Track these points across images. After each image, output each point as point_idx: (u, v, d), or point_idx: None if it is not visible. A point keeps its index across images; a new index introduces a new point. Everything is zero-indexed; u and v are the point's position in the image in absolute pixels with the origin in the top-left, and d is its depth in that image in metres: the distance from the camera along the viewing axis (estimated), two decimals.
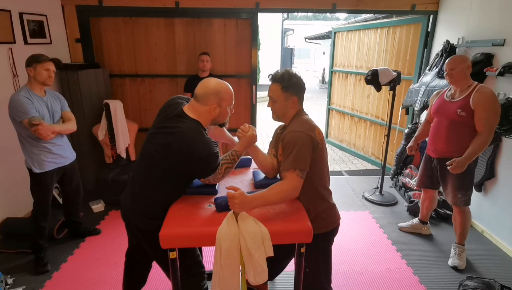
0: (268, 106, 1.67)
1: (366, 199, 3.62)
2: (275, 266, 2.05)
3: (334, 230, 1.67)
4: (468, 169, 2.28)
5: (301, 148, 1.46)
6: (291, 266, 2.42)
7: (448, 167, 2.27)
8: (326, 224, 1.61)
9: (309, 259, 1.61)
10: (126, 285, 1.90)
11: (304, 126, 1.54)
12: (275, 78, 1.60)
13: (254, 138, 1.64)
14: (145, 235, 1.58)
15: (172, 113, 1.52)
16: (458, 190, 2.36)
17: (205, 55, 3.55)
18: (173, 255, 1.39)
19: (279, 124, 1.78)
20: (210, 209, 1.52)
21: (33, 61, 2.18)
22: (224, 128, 1.93)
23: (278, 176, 1.77)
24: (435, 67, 3.41)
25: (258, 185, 1.74)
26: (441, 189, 2.60)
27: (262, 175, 1.81)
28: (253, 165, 2.05)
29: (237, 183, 1.82)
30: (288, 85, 1.56)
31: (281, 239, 1.41)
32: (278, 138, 1.69)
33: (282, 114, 1.63)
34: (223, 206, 1.47)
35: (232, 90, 1.58)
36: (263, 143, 6.22)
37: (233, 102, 1.61)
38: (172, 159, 1.45)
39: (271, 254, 1.37)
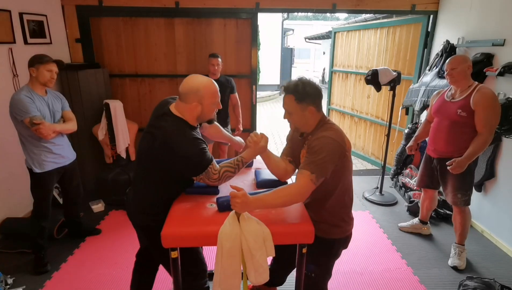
0: (284, 118, 1.58)
1: (366, 199, 3.62)
2: (287, 270, 2.04)
3: (349, 236, 1.67)
4: (468, 169, 2.28)
5: (329, 155, 1.40)
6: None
7: (448, 167, 2.27)
8: (342, 230, 1.61)
9: (320, 263, 1.63)
10: (134, 286, 1.92)
11: (334, 132, 1.47)
12: (288, 89, 1.49)
13: (263, 149, 1.61)
14: (144, 232, 1.61)
15: (160, 112, 1.52)
16: (458, 190, 2.36)
17: (215, 58, 3.36)
18: (174, 254, 1.39)
19: (286, 126, 1.71)
20: (212, 209, 1.52)
21: (36, 61, 2.17)
22: (218, 125, 1.91)
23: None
24: (435, 67, 3.42)
25: (260, 184, 1.74)
26: (441, 189, 2.61)
27: (264, 175, 1.81)
28: (255, 165, 2.05)
29: (239, 183, 1.81)
30: (303, 96, 1.46)
31: (282, 239, 1.41)
32: (298, 144, 1.63)
33: (302, 125, 1.54)
34: (224, 206, 1.47)
35: (215, 86, 1.53)
36: None
37: (218, 98, 1.56)
38: (159, 158, 1.46)
39: (273, 254, 1.37)
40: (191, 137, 1.45)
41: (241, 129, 3.72)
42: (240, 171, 1.62)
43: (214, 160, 1.52)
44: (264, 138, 1.60)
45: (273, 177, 1.76)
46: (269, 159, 1.67)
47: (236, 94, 3.63)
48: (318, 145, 1.42)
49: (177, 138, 1.42)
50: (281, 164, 1.70)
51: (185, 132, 1.45)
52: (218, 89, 1.55)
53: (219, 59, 3.40)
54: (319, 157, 1.39)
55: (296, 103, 1.47)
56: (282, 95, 1.55)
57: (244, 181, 1.84)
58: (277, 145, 6.14)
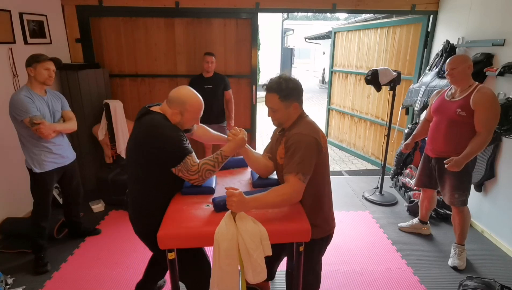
0: (268, 116, 1.59)
1: (366, 199, 3.62)
2: (273, 268, 2.05)
3: (328, 237, 1.66)
4: (466, 170, 2.28)
5: (306, 151, 1.43)
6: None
7: (446, 166, 2.27)
8: (321, 230, 1.59)
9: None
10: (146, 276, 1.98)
11: (309, 128, 1.50)
12: (270, 88, 1.50)
13: (243, 141, 1.63)
14: (142, 236, 1.61)
15: (140, 114, 1.59)
16: (456, 190, 2.36)
17: (210, 56, 3.51)
18: (171, 255, 1.39)
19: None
20: (208, 209, 1.52)
21: (33, 61, 2.18)
22: (204, 126, 1.90)
23: (274, 175, 1.76)
24: (435, 67, 3.41)
25: (256, 184, 1.74)
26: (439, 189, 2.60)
27: None
28: None
29: (235, 182, 1.82)
30: (287, 93, 1.48)
31: (279, 238, 1.41)
32: (277, 140, 1.66)
33: (285, 121, 1.56)
34: (221, 206, 1.47)
35: (201, 105, 1.59)
36: (263, 143, 6.21)
37: (199, 116, 1.61)
38: (141, 152, 1.49)
39: (270, 253, 1.36)
40: (170, 126, 1.52)
41: (232, 124, 3.74)
42: (221, 167, 1.62)
43: (194, 153, 1.55)
44: (242, 132, 1.65)
45: (269, 177, 1.77)
46: (247, 155, 1.70)
47: (230, 91, 3.69)
48: (294, 144, 1.45)
49: (158, 126, 1.48)
50: (261, 161, 1.73)
51: (165, 123, 1.52)
52: (202, 108, 1.60)
53: (214, 58, 3.53)
54: (297, 155, 1.42)
55: (280, 101, 1.50)
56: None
57: (240, 181, 1.84)
58: None
